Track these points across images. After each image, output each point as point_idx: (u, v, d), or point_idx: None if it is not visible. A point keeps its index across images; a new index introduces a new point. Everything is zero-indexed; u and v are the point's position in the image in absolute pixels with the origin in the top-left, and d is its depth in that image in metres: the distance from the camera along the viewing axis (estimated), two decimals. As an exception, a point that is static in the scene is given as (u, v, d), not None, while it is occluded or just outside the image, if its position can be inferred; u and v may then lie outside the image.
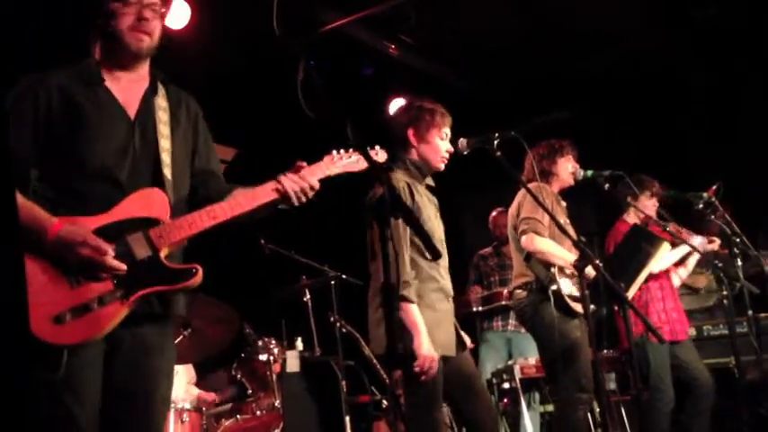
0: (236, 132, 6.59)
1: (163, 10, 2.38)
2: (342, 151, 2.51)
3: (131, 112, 2.33)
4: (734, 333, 4.59)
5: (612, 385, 5.42)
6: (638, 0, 6.01)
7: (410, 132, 3.29)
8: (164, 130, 2.35)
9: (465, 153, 3.27)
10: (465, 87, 7.07)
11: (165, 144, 2.34)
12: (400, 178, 3.19)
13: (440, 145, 3.28)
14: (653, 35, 6.41)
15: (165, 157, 2.33)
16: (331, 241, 5.95)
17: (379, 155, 2.70)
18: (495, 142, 3.14)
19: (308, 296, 5.12)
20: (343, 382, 4.74)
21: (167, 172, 2.32)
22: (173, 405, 4.20)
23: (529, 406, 5.43)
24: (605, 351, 5.01)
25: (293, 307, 5.18)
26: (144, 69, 2.41)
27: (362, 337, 4.66)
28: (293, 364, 4.72)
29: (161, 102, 2.39)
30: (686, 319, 4.94)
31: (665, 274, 4.91)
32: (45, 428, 2.09)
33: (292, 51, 2.22)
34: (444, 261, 3.26)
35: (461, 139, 3.26)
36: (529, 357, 5.46)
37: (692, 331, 5.48)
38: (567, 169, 4.29)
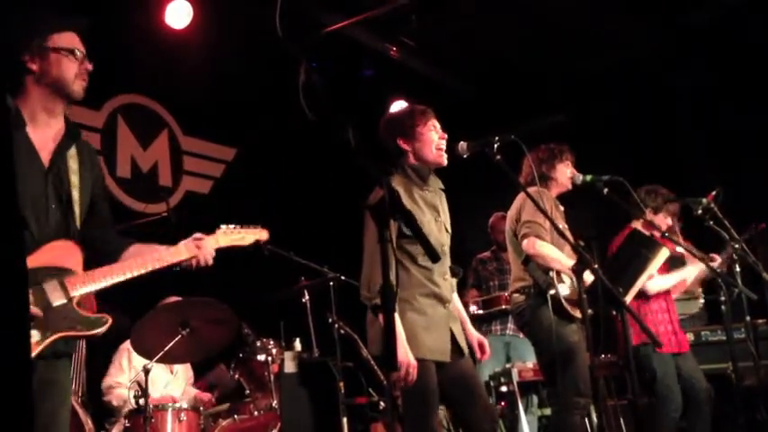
0: (236, 132, 6.60)
1: None
2: (230, 226, 2.79)
3: (45, 160, 2.36)
4: (731, 339, 4.59)
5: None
6: (637, 5, 6.02)
7: (400, 141, 3.30)
8: (74, 180, 2.41)
9: (465, 156, 3.27)
10: (465, 90, 7.08)
11: (75, 195, 2.40)
12: (395, 185, 3.18)
13: (431, 137, 3.28)
14: (651, 39, 6.43)
15: (76, 209, 2.40)
16: (330, 242, 5.95)
17: (260, 233, 2.91)
18: (495, 146, 3.13)
19: (307, 297, 5.13)
20: (341, 383, 4.75)
21: (78, 224, 2.40)
22: (170, 405, 4.20)
23: (527, 410, 5.44)
24: (603, 356, 5.02)
25: (292, 308, 5.18)
26: (62, 116, 2.46)
27: (361, 339, 4.67)
28: (291, 364, 4.72)
29: (72, 151, 2.43)
30: (684, 332, 4.97)
31: None
32: None
33: (294, 53, 2.23)
34: (442, 267, 3.25)
35: (461, 142, 3.26)
36: (527, 361, 5.47)
37: (690, 336, 5.49)
38: (566, 174, 4.29)
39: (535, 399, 5.60)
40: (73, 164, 2.41)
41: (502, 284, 6.15)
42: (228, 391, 5.04)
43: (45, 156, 2.36)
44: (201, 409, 4.37)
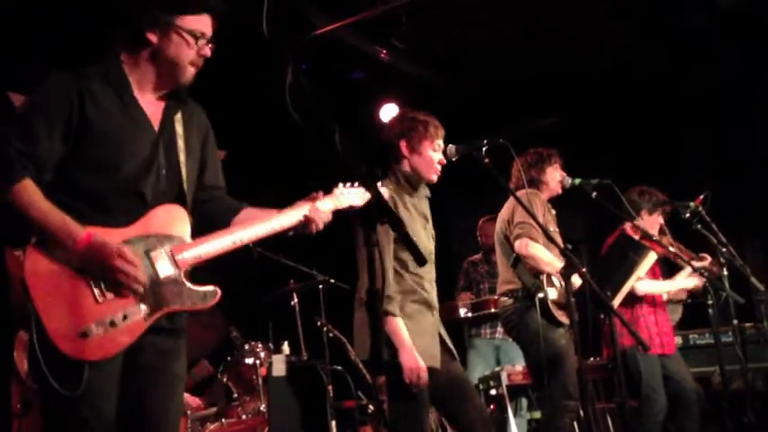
0: (225, 135, 6.57)
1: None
2: (348, 184, 2.61)
3: (155, 125, 2.30)
4: (719, 342, 4.61)
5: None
6: (628, 9, 6.04)
7: (402, 143, 3.28)
8: (182, 144, 2.34)
9: (453, 159, 3.27)
10: (455, 93, 7.09)
11: (183, 159, 2.33)
12: (386, 191, 3.17)
13: (432, 156, 3.26)
14: (642, 44, 6.45)
15: (184, 173, 2.32)
16: (319, 245, 5.94)
17: (384, 191, 2.72)
18: (484, 149, 3.13)
19: (296, 300, 5.11)
20: (330, 387, 4.73)
21: (187, 188, 2.33)
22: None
23: (516, 413, 5.44)
24: (591, 359, 5.03)
25: (281, 311, 5.16)
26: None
27: (349, 342, 4.65)
28: (279, 368, 4.70)
29: (178, 115, 2.36)
30: (673, 333, 4.98)
31: None
32: None
33: (280, 55, 2.22)
34: (431, 274, 3.25)
35: (450, 145, 3.25)
36: (516, 365, 5.47)
37: (678, 340, 5.51)
38: (555, 178, 4.30)
39: (524, 402, 5.60)
40: (179, 128, 2.33)
41: (492, 287, 6.14)
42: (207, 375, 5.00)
43: (155, 122, 2.29)
44: (188, 412, 4.35)
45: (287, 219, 2.43)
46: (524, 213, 4.02)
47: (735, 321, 4.61)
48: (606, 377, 5.14)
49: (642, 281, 4.58)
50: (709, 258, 4.78)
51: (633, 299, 4.67)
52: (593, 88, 6.72)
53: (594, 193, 3.86)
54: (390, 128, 3.36)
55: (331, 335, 4.83)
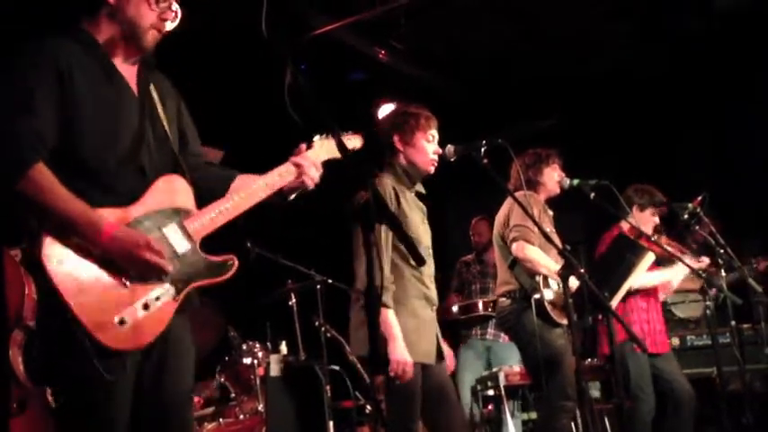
0: (223, 135, 6.56)
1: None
2: (323, 136, 2.51)
3: (135, 91, 2.16)
4: (717, 344, 4.61)
5: (596, 393, 5.44)
6: (627, 11, 6.05)
7: (396, 138, 3.30)
8: (162, 113, 2.21)
9: (452, 160, 3.28)
10: (454, 93, 7.09)
11: (167, 127, 2.21)
12: (388, 183, 3.19)
13: (426, 147, 3.28)
14: (642, 46, 6.46)
15: (174, 142, 2.21)
16: (317, 245, 5.94)
17: (353, 140, 2.65)
18: (483, 150, 3.14)
19: (294, 300, 5.11)
20: (327, 387, 4.73)
21: (181, 157, 2.21)
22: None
23: (512, 414, 5.44)
24: (589, 360, 5.03)
25: (278, 311, 5.16)
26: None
27: (347, 342, 4.65)
28: (277, 368, 4.70)
29: (150, 83, 2.23)
30: (667, 333, 4.97)
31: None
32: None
33: (280, 55, 2.22)
34: (430, 269, 3.26)
35: (449, 146, 3.26)
36: (514, 366, 5.46)
37: (676, 341, 5.51)
38: (554, 178, 4.30)
39: (518, 403, 5.60)
40: (155, 95, 2.19)
41: (483, 288, 6.15)
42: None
43: (133, 86, 2.14)
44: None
45: (279, 179, 2.34)
46: (521, 215, 4.02)
47: (732, 322, 4.61)
48: (603, 378, 5.14)
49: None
50: (707, 260, 4.78)
51: (626, 296, 4.64)
52: (593, 89, 6.72)
53: (593, 194, 3.86)
54: (384, 124, 3.37)
55: (329, 335, 4.83)
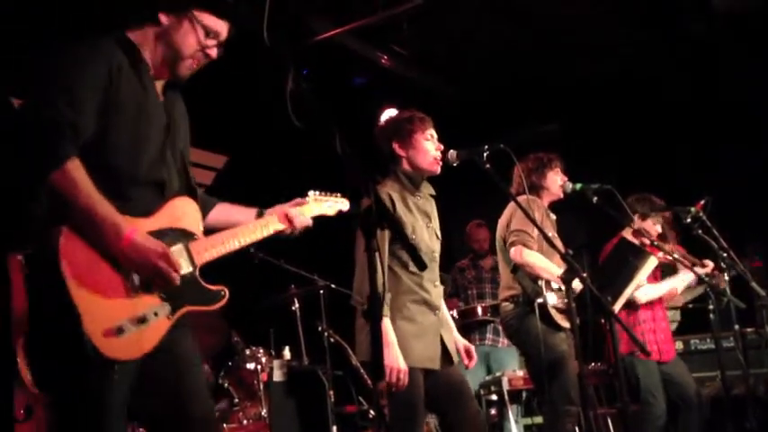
0: (226, 140, 6.59)
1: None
2: (317, 193, 2.70)
3: (164, 108, 2.21)
4: (720, 348, 4.60)
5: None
6: (628, 13, 6.05)
7: (395, 145, 3.29)
8: (181, 132, 2.26)
9: (454, 164, 3.28)
10: (456, 98, 7.10)
11: (182, 147, 2.24)
12: (386, 190, 3.19)
13: (427, 147, 3.27)
14: (644, 48, 6.46)
15: (187, 162, 2.24)
16: (320, 250, 5.95)
17: (341, 203, 2.83)
18: (485, 154, 3.14)
19: (297, 305, 5.11)
20: (331, 392, 4.73)
21: (193, 180, 2.25)
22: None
23: (515, 419, 5.43)
24: (592, 364, 5.02)
25: (282, 316, 5.17)
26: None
27: (350, 347, 4.65)
28: (280, 373, 4.70)
29: (171, 101, 2.27)
30: (673, 341, 4.98)
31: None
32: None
33: (282, 60, 2.23)
34: (432, 274, 3.25)
35: (451, 150, 3.26)
36: (517, 370, 5.46)
37: (679, 345, 5.50)
38: (556, 183, 4.30)
39: (521, 408, 5.59)
40: (174, 115, 2.23)
41: (480, 293, 6.15)
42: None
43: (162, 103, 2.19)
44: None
45: (268, 227, 2.46)
46: (521, 220, 4.02)
47: (736, 327, 4.60)
48: (607, 382, 5.14)
49: (641, 288, 4.58)
50: (712, 265, 4.77)
51: (632, 306, 4.67)
52: (595, 93, 6.73)
53: (595, 198, 3.86)
54: (381, 136, 3.37)
55: (332, 340, 4.83)
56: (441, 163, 3.27)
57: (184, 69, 2.20)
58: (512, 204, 4.22)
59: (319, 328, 4.91)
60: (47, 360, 1.96)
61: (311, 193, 2.69)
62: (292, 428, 4.81)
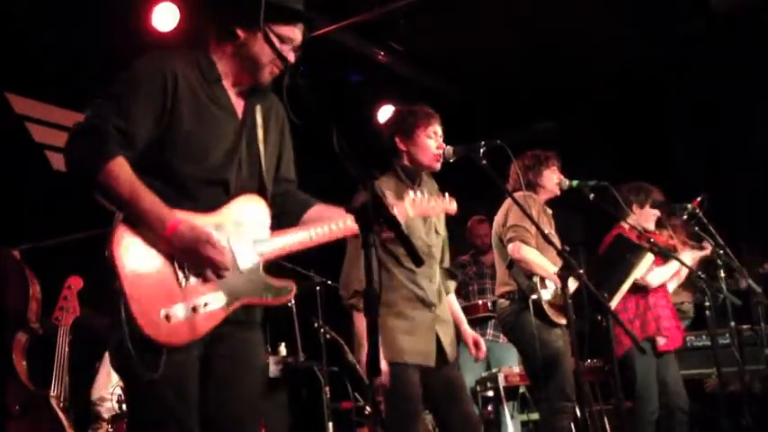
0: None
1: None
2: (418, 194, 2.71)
3: (239, 112, 2.30)
4: (716, 344, 4.61)
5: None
6: (625, 13, 6.05)
7: (398, 138, 3.30)
8: (261, 135, 2.33)
9: (451, 161, 3.28)
10: (453, 95, 7.09)
11: (262, 150, 2.32)
12: (380, 185, 3.18)
13: (428, 143, 3.27)
14: (643, 47, 6.46)
15: (264, 164, 2.32)
16: (317, 246, 5.94)
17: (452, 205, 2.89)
18: (481, 151, 3.13)
19: (293, 301, 5.11)
20: (327, 388, 4.73)
21: (267, 179, 2.32)
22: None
23: (511, 415, 5.44)
24: (588, 360, 5.02)
25: (278, 312, 5.16)
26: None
27: (347, 344, 4.65)
28: (276, 369, 4.70)
29: (258, 106, 2.36)
30: (682, 327, 4.94)
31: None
32: (149, 429, 2.07)
33: (278, 56, 2.23)
34: (429, 269, 3.25)
35: (447, 147, 3.26)
36: (514, 366, 5.46)
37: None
38: (553, 180, 4.30)
39: (517, 404, 5.59)
40: (259, 119, 2.33)
41: (481, 289, 6.15)
42: None
43: (238, 109, 2.29)
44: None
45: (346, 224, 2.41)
46: (518, 216, 4.02)
47: (732, 323, 4.61)
48: (603, 379, 5.14)
49: (651, 273, 4.52)
50: (710, 246, 4.73)
51: (643, 292, 4.61)
52: (591, 90, 6.73)
53: (592, 195, 3.86)
54: (385, 127, 3.37)
55: (328, 336, 4.83)
56: (441, 160, 3.27)
57: (265, 76, 2.29)
58: (508, 201, 4.22)
59: (315, 325, 4.91)
60: (113, 343, 2.05)
61: (410, 192, 2.70)
62: (288, 425, 4.81)
